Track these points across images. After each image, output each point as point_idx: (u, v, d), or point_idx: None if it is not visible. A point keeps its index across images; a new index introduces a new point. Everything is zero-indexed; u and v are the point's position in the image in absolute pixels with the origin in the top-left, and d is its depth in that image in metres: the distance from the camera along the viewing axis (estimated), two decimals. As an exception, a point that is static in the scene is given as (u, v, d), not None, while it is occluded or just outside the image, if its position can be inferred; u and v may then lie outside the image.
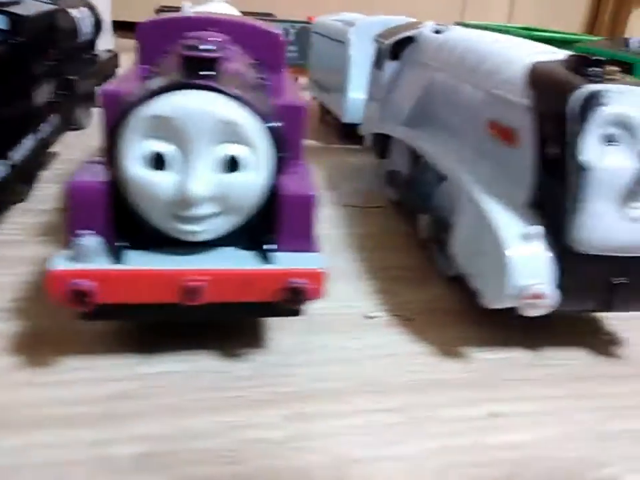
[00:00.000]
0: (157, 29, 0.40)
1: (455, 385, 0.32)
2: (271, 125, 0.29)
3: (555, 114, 0.32)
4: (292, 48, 1.20)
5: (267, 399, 0.30)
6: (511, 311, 0.32)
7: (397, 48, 0.57)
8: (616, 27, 2.19)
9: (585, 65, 0.33)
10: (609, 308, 0.33)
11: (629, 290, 0.32)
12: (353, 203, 0.58)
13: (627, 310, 0.35)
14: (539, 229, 0.31)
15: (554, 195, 0.31)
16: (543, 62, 0.36)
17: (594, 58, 0.33)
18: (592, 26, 2.26)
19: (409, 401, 0.31)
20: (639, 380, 0.34)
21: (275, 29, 0.46)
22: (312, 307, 0.32)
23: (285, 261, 0.30)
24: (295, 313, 0.32)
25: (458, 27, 0.53)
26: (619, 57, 0.53)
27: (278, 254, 0.31)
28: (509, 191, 0.35)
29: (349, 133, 0.76)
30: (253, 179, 0.29)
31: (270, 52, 0.45)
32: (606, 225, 0.30)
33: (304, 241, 0.32)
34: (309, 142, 0.65)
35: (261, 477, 0.25)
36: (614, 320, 0.40)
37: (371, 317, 0.38)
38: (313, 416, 0.29)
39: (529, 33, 0.77)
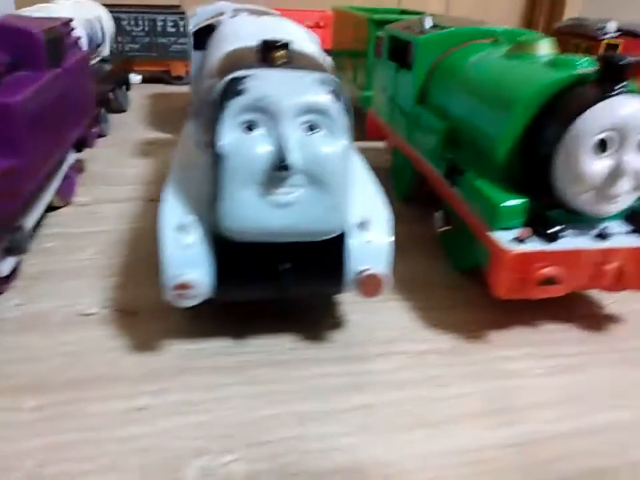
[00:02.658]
0: None
1: (116, 379, 0.32)
2: None
3: (212, 103, 0.31)
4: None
5: None
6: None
7: (201, 36, 0.57)
8: (555, 9, 2.20)
9: (271, 49, 0.33)
10: (278, 293, 0.33)
11: (295, 275, 0.32)
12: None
13: (298, 294, 0.34)
14: (192, 219, 0.31)
15: (211, 185, 0.31)
16: (239, 48, 0.35)
17: (279, 43, 0.33)
18: (531, 10, 2.27)
19: (61, 397, 0.30)
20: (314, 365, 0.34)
21: (34, 28, 0.46)
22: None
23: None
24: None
25: (246, 13, 0.53)
26: (402, 37, 0.53)
27: None
28: (197, 187, 0.34)
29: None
30: None
31: (25, 51, 0.45)
32: (250, 212, 0.30)
33: None
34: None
35: None
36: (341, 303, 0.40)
37: (87, 315, 0.38)
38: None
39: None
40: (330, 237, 0.31)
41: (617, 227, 0.36)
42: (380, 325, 0.38)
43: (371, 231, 0.33)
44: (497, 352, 0.36)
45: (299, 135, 0.30)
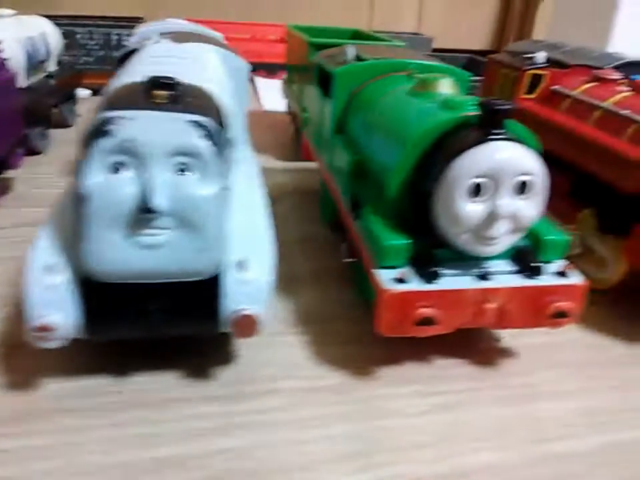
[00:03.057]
0: None
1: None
2: None
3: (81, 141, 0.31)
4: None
5: None
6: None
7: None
8: (524, 26, 2.24)
9: (155, 87, 0.33)
10: (149, 332, 0.33)
11: (166, 314, 0.32)
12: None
13: (169, 334, 0.34)
14: (58, 260, 0.31)
15: (77, 225, 0.31)
16: (128, 84, 0.35)
17: (166, 81, 0.33)
18: (501, 31, 2.31)
19: None
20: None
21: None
22: None
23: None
24: None
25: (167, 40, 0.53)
26: (325, 66, 0.54)
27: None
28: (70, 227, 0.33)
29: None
30: None
31: None
32: (116, 253, 0.29)
33: None
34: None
35: None
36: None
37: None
38: None
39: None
40: (203, 277, 0.32)
41: (502, 266, 0.37)
42: (271, 361, 0.38)
43: (249, 271, 0.33)
44: (383, 389, 0.36)
45: (169, 177, 0.30)
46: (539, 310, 0.36)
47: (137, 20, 1.25)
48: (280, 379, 0.36)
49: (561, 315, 0.36)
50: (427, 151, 0.36)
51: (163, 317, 0.32)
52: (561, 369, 0.40)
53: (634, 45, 1.52)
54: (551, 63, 0.63)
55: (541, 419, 0.35)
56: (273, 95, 1.17)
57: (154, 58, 0.44)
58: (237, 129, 0.55)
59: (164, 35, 0.59)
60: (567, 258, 0.52)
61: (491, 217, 0.33)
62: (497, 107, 0.33)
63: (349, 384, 0.36)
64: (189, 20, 0.80)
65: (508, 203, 0.33)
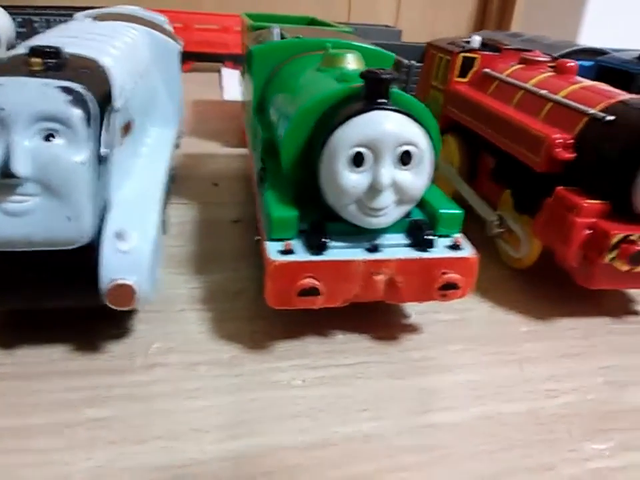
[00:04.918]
0: None
1: None
2: None
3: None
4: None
5: None
6: None
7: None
8: (503, 20, 2.25)
9: (35, 56, 0.32)
10: (27, 304, 0.32)
11: (43, 285, 0.31)
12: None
13: (49, 305, 0.34)
14: None
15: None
16: (17, 54, 0.35)
17: (47, 49, 0.33)
18: (480, 24, 2.32)
19: None
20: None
21: None
22: None
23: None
24: None
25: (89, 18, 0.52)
26: (249, 46, 0.54)
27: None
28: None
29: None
30: None
31: None
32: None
33: None
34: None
35: None
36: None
37: None
38: None
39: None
40: (74, 246, 0.31)
41: (395, 239, 0.37)
42: (166, 336, 0.38)
43: (127, 241, 0.33)
44: (273, 363, 0.36)
45: (33, 143, 0.29)
46: (429, 282, 0.36)
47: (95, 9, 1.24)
48: (170, 352, 0.36)
49: (451, 286, 0.36)
50: (319, 123, 0.36)
51: (40, 288, 0.31)
52: (460, 344, 0.40)
53: (602, 36, 1.53)
54: (487, 47, 0.64)
55: (426, 391, 0.35)
56: (234, 85, 1.17)
57: (59, 32, 0.43)
58: (157, 105, 0.55)
59: (93, 15, 0.59)
60: (490, 237, 0.53)
61: (374, 188, 0.33)
62: (379, 77, 0.33)
63: (240, 357, 0.36)
64: (159, 11, 0.79)
65: (389, 172, 0.33)
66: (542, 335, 0.42)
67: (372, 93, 0.33)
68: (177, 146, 0.65)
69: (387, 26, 1.71)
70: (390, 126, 0.33)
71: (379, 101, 0.33)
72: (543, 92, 0.49)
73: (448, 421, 0.33)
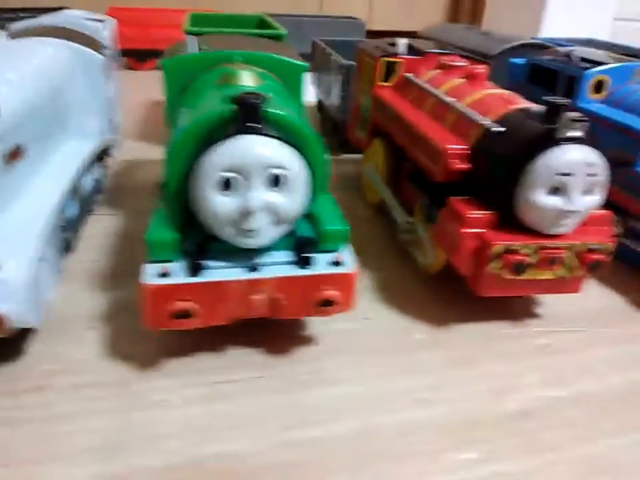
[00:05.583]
0: None
1: None
2: None
3: None
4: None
5: None
6: None
7: None
8: (477, 11, 2.24)
9: None
10: None
11: None
12: None
13: None
14: None
15: None
16: None
17: None
18: (453, 18, 2.31)
19: None
20: None
21: None
22: None
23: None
24: None
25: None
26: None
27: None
28: None
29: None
30: None
31: None
32: None
33: None
34: None
35: None
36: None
37: None
38: None
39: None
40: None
41: (278, 257, 0.37)
42: (57, 357, 0.38)
43: (1, 270, 0.33)
44: (159, 382, 0.37)
45: None
46: (308, 299, 0.37)
47: (56, 10, 1.23)
48: (58, 374, 0.37)
49: (328, 303, 0.37)
50: (199, 145, 0.37)
51: None
52: (352, 356, 0.41)
53: (564, 30, 1.53)
54: (412, 51, 0.64)
55: (305, 406, 0.36)
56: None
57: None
58: (71, 120, 0.55)
59: (14, 31, 0.59)
60: (401, 245, 0.54)
61: (245, 210, 0.34)
62: (247, 102, 0.34)
63: (128, 378, 0.37)
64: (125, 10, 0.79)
65: (259, 196, 0.34)
66: (435, 343, 0.43)
67: (242, 117, 0.34)
68: (107, 155, 0.66)
69: (352, 17, 1.70)
70: (257, 150, 0.33)
71: (248, 125, 0.34)
72: (449, 100, 0.50)
73: (318, 436, 0.34)
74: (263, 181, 0.34)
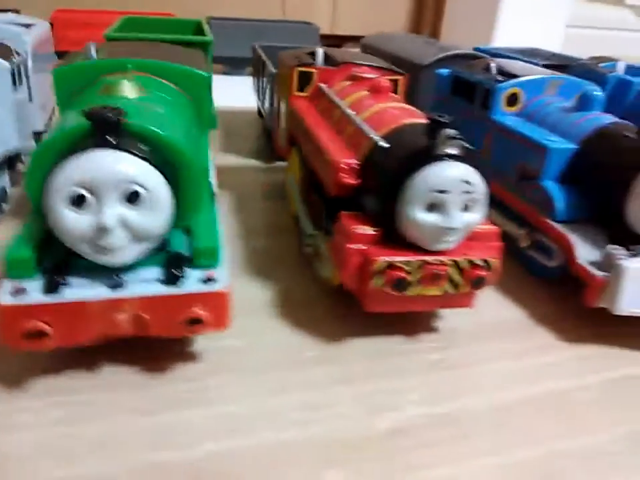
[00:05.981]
0: None
1: None
2: None
3: None
4: None
5: None
6: None
7: None
8: (438, 22, 2.26)
9: None
10: None
11: None
12: None
13: None
14: None
15: None
16: None
17: None
18: (417, 23, 2.33)
19: None
20: None
21: None
22: None
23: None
24: None
25: None
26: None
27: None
28: None
29: None
30: None
31: None
32: None
33: None
34: None
35: None
36: None
37: None
38: None
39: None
40: None
41: (146, 274, 0.36)
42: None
43: None
44: (20, 403, 0.35)
45: None
46: (174, 318, 0.36)
47: (11, 12, 1.20)
48: None
49: (196, 321, 0.36)
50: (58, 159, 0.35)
51: None
52: (235, 374, 0.40)
53: (516, 38, 1.55)
54: (328, 61, 0.64)
55: (168, 428, 0.35)
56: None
57: None
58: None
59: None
60: (305, 257, 0.53)
61: (99, 227, 0.33)
62: (101, 117, 0.33)
63: (-11, 400, 0.36)
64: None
65: (114, 212, 0.33)
66: (326, 360, 0.42)
67: (96, 131, 0.33)
68: (16, 163, 0.64)
69: (306, 23, 1.70)
70: (108, 165, 0.32)
71: (101, 139, 0.33)
72: (349, 112, 0.50)
73: (173, 460, 0.33)
74: (117, 197, 0.33)
